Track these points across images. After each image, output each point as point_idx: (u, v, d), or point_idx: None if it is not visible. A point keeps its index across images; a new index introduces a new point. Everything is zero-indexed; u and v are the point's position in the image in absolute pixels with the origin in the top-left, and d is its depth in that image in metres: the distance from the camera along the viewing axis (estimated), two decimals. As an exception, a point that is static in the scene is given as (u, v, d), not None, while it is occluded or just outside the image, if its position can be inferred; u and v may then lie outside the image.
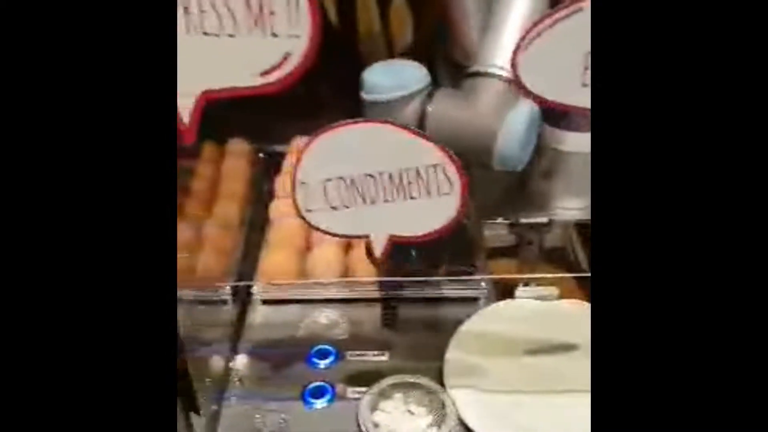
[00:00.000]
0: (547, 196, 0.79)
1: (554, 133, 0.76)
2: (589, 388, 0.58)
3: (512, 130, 0.57)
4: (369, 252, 0.52)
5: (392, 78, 0.58)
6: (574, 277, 0.75)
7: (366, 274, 0.69)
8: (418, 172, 0.48)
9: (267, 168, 0.83)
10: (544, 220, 0.76)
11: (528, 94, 0.47)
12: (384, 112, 0.57)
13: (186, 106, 0.44)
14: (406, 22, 0.94)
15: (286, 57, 0.43)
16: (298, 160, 0.47)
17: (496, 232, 0.81)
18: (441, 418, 0.51)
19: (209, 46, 0.42)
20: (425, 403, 0.52)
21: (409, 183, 0.48)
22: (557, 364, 0.63)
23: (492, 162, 0.59)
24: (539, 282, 0.69)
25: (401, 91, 0.57)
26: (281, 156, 0.84)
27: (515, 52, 0.45)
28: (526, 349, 0.64)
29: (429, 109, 0.57)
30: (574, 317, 0.67)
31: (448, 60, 0.85)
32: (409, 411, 0.52)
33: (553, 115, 0.70)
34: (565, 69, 0.46)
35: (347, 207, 0.49)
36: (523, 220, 0.76)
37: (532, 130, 0.58)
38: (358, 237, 0.51)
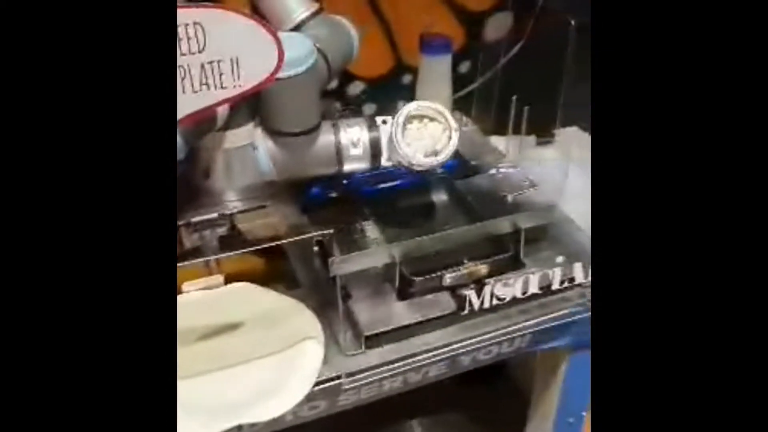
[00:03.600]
0: (212, 194, 0.85)
1: (215, 135, 0.82)
2: (252, 356, 0.66)
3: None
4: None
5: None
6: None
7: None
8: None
9: None
10: (215, 215, 0.82)
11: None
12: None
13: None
14: None
15: None
16: None
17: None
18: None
19: None
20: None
21: None
22: (224, 343, 0.69)
23: None
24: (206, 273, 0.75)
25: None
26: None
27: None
28: (197, 336, 0.70)
29: None
30: (239, 298, 0.74)
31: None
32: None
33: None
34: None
35: None
36: (195, 219, 0.82)
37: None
38: None
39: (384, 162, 0.74)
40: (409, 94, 1.12)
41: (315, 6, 0.76)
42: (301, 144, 0.71)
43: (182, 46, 0.50)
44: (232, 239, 0.81)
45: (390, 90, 1.12)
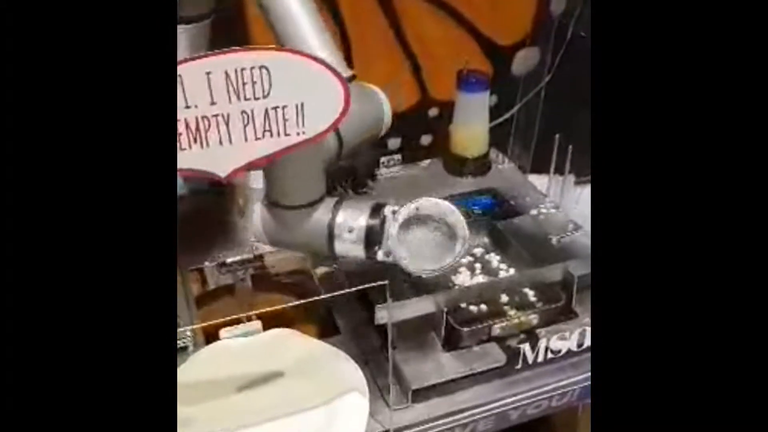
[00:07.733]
0: (246, 232, 0.82)
1: (249, 173, 0.79)
2: (296, 409, 0.62)
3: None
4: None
5: None
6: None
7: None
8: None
9: None
10: (250, 255, 0.79)
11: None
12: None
13: None
14: None
15: None
16: None
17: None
18: None
19: None
20: None
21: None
22: (264, 394, 0.66)
23: None
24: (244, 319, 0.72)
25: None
26: None
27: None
28: (236, 387, 0.66)
29: None
30: (279, 346, 0.70)
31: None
32: None
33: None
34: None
35: None
36: (230, 260, 0.78)
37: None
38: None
39: (380, 257, 0.63)
40: (435, 127, 1.10)
41: (348, 73, 0.70)
42: (292, 218, 0.64)
43: (246, 91, 0.47)
44: (265, 279, 0.78)
45: (415, 123, 1.10)
